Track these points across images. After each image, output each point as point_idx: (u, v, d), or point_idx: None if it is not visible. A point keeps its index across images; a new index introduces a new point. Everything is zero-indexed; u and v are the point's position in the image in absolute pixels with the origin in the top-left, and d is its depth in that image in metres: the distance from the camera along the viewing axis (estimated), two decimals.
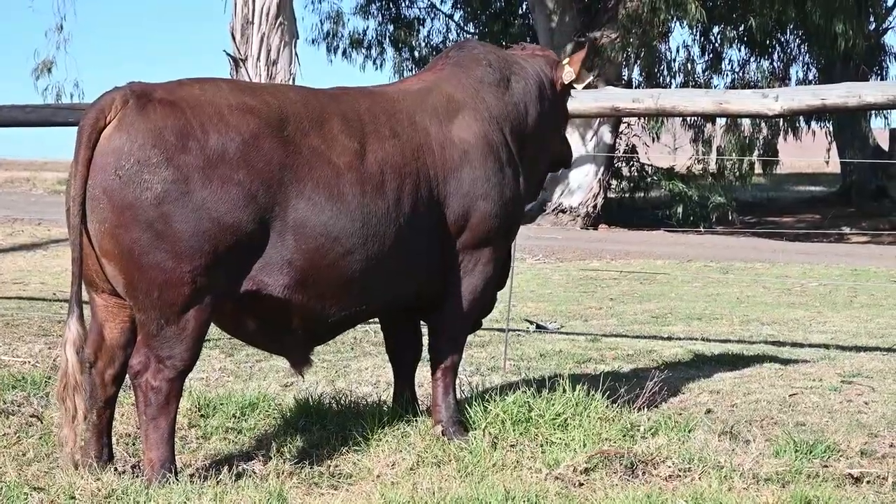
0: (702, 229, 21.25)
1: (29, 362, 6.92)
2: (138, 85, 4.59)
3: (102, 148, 4.44)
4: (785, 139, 26.38)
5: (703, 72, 25.97)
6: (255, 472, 4.86)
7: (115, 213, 4.42)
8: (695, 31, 24.45)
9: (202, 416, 5.63)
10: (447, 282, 5.34)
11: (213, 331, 5.23)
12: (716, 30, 24.71)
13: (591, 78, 6.06)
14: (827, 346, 8.00)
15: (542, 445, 5.07)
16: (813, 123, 26.95)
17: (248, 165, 4.56)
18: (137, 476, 4.67)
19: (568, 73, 5.84)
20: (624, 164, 25.19)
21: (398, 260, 5.01)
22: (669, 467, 4.86)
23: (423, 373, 5.74)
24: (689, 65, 25.77)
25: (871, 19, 25.33)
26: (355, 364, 7.23)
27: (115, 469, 4.74)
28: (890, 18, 27.10)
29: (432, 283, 5.29)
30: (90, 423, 4.73)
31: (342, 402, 5.82)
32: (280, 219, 4.65)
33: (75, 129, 5.82)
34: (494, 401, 5.35)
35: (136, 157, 4.41)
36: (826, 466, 4.96)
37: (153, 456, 4.59)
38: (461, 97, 5.42)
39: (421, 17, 29.52)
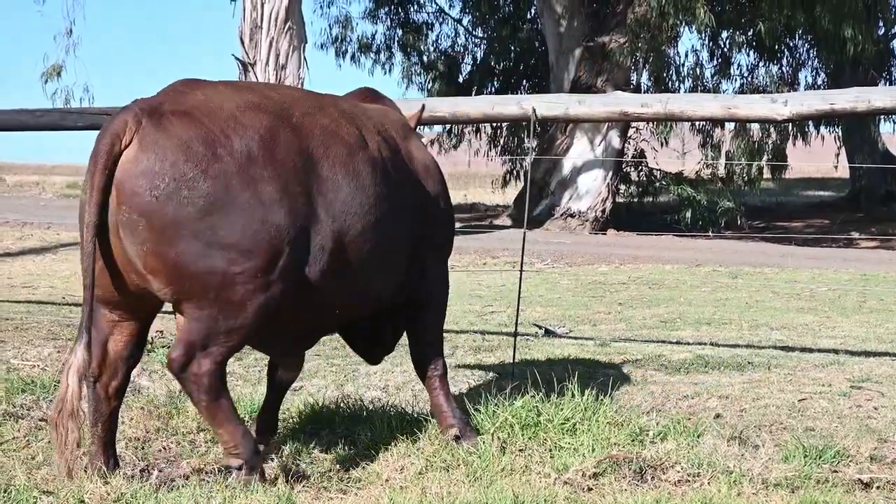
0: (710, 234, 21.23)
1: (38, 366, 6.93)
2: (144, 102, 4.53)
3: (129, 172, 4.37)
4: (794, 144, 26.41)
5: (712, 76, 26.01)
6: (263, 476, 4.86)
7: (157, 232, 4.36)
8: (703, 35, 24.46)
9: None
10: (421, 284, 5.44)
11: None
12: (725, 34, 24.72)
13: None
14: (836, 351, 7.98)
15: (550, 450, 5.07)
16: (822, 128, 26.97)
17: (273, 160, 4.56)
18: (147, 480, 4.67)
19: None
20: (632, 169, 25.19)
21: (397, 242, 5.15)
22: (678, 472, 4.86)
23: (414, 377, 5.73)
24: (697, 69, 25.81)
25: (881, 24, 25.31)
26: (364, 368, 7.22)
27: (125, 473, 4.74)
28: None
29: (409, 276, 5.38)
30: (96, 437, 4.71)
31: (351, 406, 5.82)
32: (311, 205, 4.67)
33: (85, 132, 5.83)
34: (503, 405, 5.35)
35: (171, 175, 4.36)
36: (835, 472, 4.95)
37: (228, 436, 4.59)
38: (406, 121, 5.68)
39: (429, 21, 29.61)
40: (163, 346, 7.42)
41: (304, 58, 16.77)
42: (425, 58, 29.11)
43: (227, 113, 4.56)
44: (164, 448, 5.31)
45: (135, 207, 4.35)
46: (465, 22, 29.83)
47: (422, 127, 6.04)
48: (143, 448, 5.27)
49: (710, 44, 25.73)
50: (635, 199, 25.40)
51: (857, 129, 27.25)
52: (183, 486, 4.54)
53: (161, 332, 7.97)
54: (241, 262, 4.45)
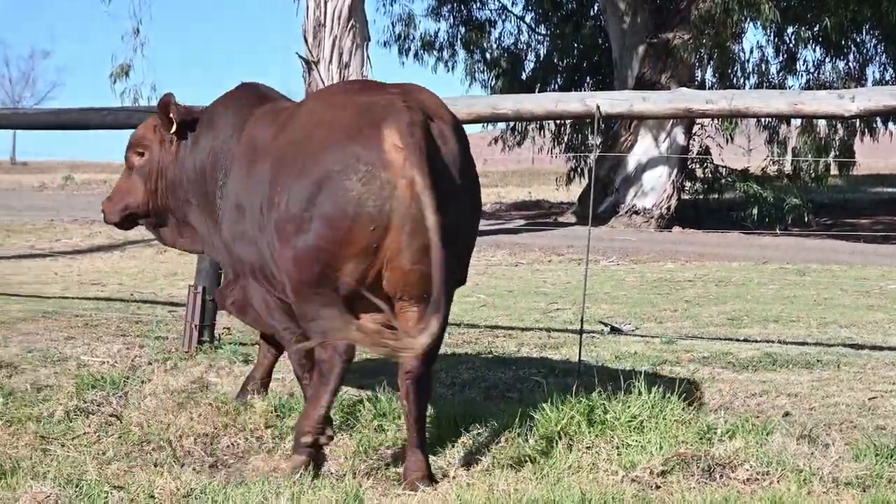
0: (777, 231, 21.05)
1: (108, 362, 7.00)
2: (408, 103, 4.51)
3: None
4: (861, 140, 26.09)
5: (778, 72, 25.78)
6: (331, 472, 4.89)
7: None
8: (768, 31, 24.26)
9: (278, 416, 5.66)
10: None
11: None
12: (790, 30, 24.48)
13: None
14: None
15: (617, 448, 5.04)
16: (890, 124, 26.62)
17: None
18: (214, 476, 4.71)
19: None
20: (698, 166, 25.03)
21: None
22: (747, 470, 4.82)
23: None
24: (762, 65, 25.59)
25: None
26: None
27: (194, 468, 4.79)
28: None
29: None
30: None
31: None
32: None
33: None
34: (570, 402, 5.33)
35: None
36: None
37: (424, 455, 4.80)
38: None
39: (492, 18, 29.57)
40: (230, 343, 7.48)
41: (368, 56, 16.83)
42: (488, 55, 29.08)
43: (457, 120, 4.75)
44: (233, 444, 5.36)
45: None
46: (527, 19, 29.79)
47: (486, 124, 6.05)
48: (211, 444, 5.31)
49: (776, 39, 25.50)
50: (701, 196, 25.23)
51: None
52: (252, 483, 4.57)
53: (228, 328, 8.03)
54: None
